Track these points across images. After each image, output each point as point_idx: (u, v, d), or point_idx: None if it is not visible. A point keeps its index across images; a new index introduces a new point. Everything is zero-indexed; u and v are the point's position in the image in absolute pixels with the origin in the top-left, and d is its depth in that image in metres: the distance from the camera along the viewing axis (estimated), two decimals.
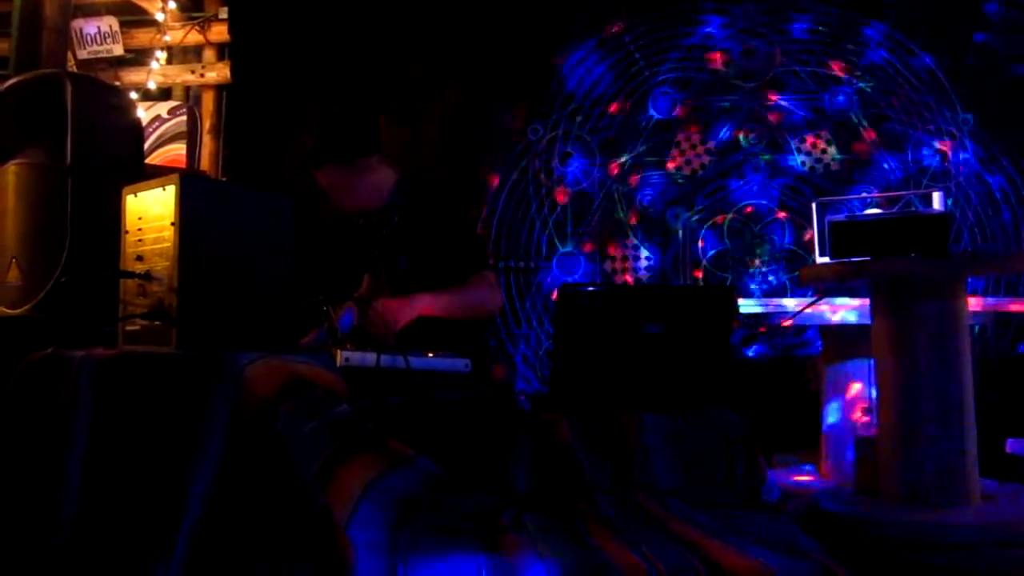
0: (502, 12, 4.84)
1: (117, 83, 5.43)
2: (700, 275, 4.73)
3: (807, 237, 4.52)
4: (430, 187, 2.67)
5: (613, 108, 4.80)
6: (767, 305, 3.58)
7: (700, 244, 4.75)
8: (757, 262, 4.71)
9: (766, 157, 4.74)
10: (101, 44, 5.38)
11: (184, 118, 5.53)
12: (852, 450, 3.10)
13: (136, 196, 1.74)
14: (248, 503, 1.36)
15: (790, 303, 3.46)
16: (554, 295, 4.57)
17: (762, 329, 4.37)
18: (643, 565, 1.39)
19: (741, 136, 4.76)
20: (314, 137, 2.58)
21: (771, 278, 4.69)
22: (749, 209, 4.74)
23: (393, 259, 2.65)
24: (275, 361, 1.52)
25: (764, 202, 4.73)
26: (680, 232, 4.75)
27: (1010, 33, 4.62)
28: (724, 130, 4.78)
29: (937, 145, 4.63)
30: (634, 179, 4.79)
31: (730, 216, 4.74)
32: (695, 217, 4.76)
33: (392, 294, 2.60)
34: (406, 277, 2.60)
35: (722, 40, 4.79)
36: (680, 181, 4.79)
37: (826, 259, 2.85)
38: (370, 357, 1.81)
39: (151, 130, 5.52)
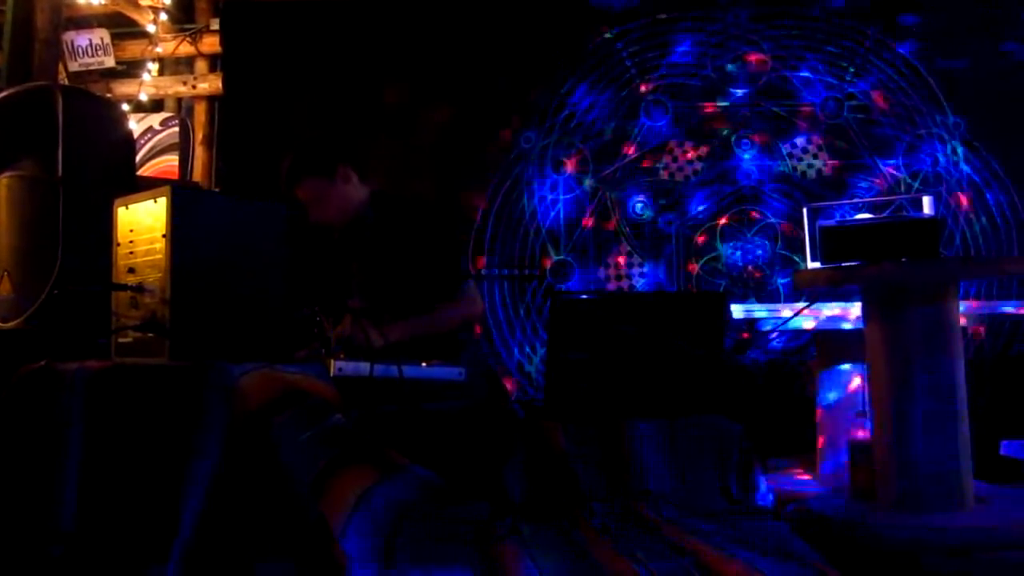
0: (496, 22, 4.86)
1: (109, 95, 5.43)
2: (693, 281, 4.74)
3: (799, 242, 4.53)
4: (401, 201, 2.72)
5: (605, 115, 4.81)
6: (759, 311, 3.59)
7: (693, 251, 4.76)
8: (750, 268, 4.72)
9: (758, 163, 4.76)
10: (93, 56, 5.37)
11: (176, 129, 5.53)
12: (846, 454, 3.10)
13: (128, 208, 1.74)
14: (242, 513, 1.36)
15: (782, 308, 3.46)
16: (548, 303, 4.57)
17: (745, 335, 4.38)
18: (638, 572, 1.39)
19: (734, 141, 4.78)
20: (291, 157, 2.63)
21: (764, 287, 4.70)
22: (742, 214, 4.76)
23: (367, 276, 2.69)
24: (269, 372, 1.52)
25: (757, 207, 4.75)
26: (673, 238, 4.76)
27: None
28: (716, 137, 4.80)
29: (928, 149, 4.66)
30: (627, 186, 4.80)
31: (723, 222, 4.76)
32: (688, 223, 4.77)
33: (365, 308, 2.64)
34: (380, 294, 2.64)
35: (713, 47, 4.81)
36: (673, 188, 4.80)
37: (817, 264, 2.86)
38: (364, 367, 1.81)
39: (143, 142, 5.51)
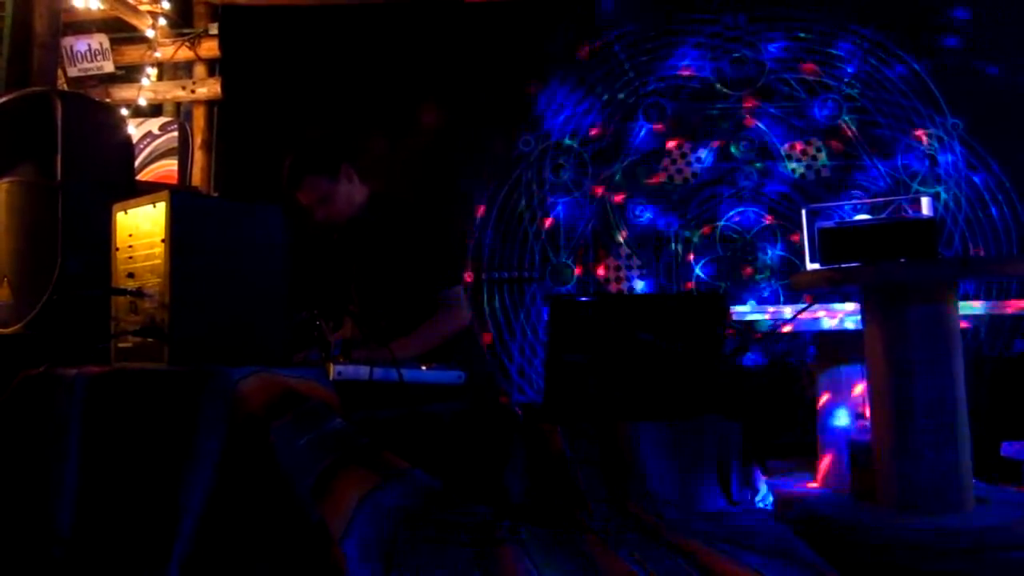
0: (493, 24, 4.87)
1: (107, 100, 5.43)
2: (692, 283, 4.74)
3: (798, 244, 4.54)
4: (400, 203, 2.72)
5: (604, 118, 4.81)
6: (759, 312, 3.59)
7: (692, 253, 4.77)
8: (749, 270, 4.72)
9: (757, 165, 4.76)
10: (92, 61, 5.38)
11: (175, 134, 5.53)
12: (847, 456, 3.10)
13: (127, 213, 1.74)
14: (242, 517, 1.36)
15: (783, 310, 3.47)
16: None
17: (757, 336, 4.38)
18: (637, 574, 1.39)
19: (731, 145, 4.79)
20: (291, 158, 2.63)
21: (764, 288, 4.70)
22: (740, 217, 4.76)
23: (365, 279, 2.69)
24: (268, 376, 1.52)
25: (756, 209, 4.75)
26: (672, 241, 4.77)
27: (980, 35, 4.66)
28: (715, 139, 4.81)
29: (926, 150, 4.66)
30: (625, 189, 4.81)
31: (722, 224, 4.76)
32: (687, 225, 4.78)
33: (362, 310, 2.65)
34: (378, 297, 2.65)
35: (711, 50, 4.81)
36: (672, 190, 4.81)
37: (817, 265, 2.86)
38: (363, 370, 1.82)
39: (142, 147, 5.51)
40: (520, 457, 1.81)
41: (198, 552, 1.35)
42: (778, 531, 1.74)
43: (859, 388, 3.36)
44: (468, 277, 4.70)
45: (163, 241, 1.63)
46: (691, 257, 4.77)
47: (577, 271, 4.77)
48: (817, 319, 3.28)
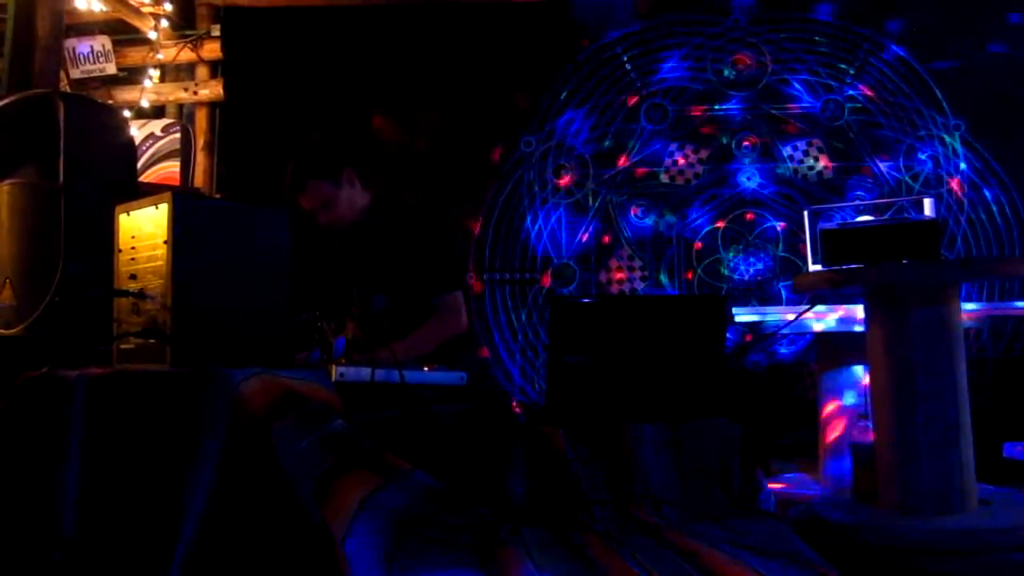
0: (494, 26, 4.87)
1: (110, 101, 5.44)
2: (695, 285, 4.74)
3: (800, 245, 4.54)
4: (402, 207, 2.73)
5: (606, 120, 4.81)
6: (760, 314, 3.59)
7: (694, 253, 4.77)
8: (752, 271, 4.72)
9: (759, 166, 4.76)
10: (94, 63, 5.39)
11: (177, 136, 5.53)
12: (849, 457, 3.10)
13: (129, 215, 1.75)
14: (244, 518, 1.36)
15: (785, 311, 3.46)
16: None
17: (748, 337, 4.38)
18: None
19: (734, 145, 4.78)
20: (294, 162, 2.64)
21: (765, 290, 4.70)
22: (743, 217, 4.76)
23: (367, 282, 2.70)
24: (270, 377, 1.52)
25: (758, 210, 4.75)
26: (674, 242, 4.77)
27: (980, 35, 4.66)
28: (717, 139, 4.81)
29: (929, 151, 4.66)
30: (628, 190, 4.81)
31: (724, 225, 4.76)
32: (689, 226, 4.77)
33: (363, 313, 2.65)
34: (376, 303, 2.66)
35: (713, 51, 4.81)
36: (674, 191, 4.81)
37: (819, 267, 2.86)
38: (365, 371, 1.82)
39: (145, 148, 5.51)
40: (522, 458, 1.81)
41: (200, 553, 1.35)
42: (780, 532, 1.73)
43: (859, 386, 3.36)
44: (477, 286, 4.69)
45: (165, 243, 1.63)
46: (692, 259, 4.77)
47: (579, 272, 4.77)
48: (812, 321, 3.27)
